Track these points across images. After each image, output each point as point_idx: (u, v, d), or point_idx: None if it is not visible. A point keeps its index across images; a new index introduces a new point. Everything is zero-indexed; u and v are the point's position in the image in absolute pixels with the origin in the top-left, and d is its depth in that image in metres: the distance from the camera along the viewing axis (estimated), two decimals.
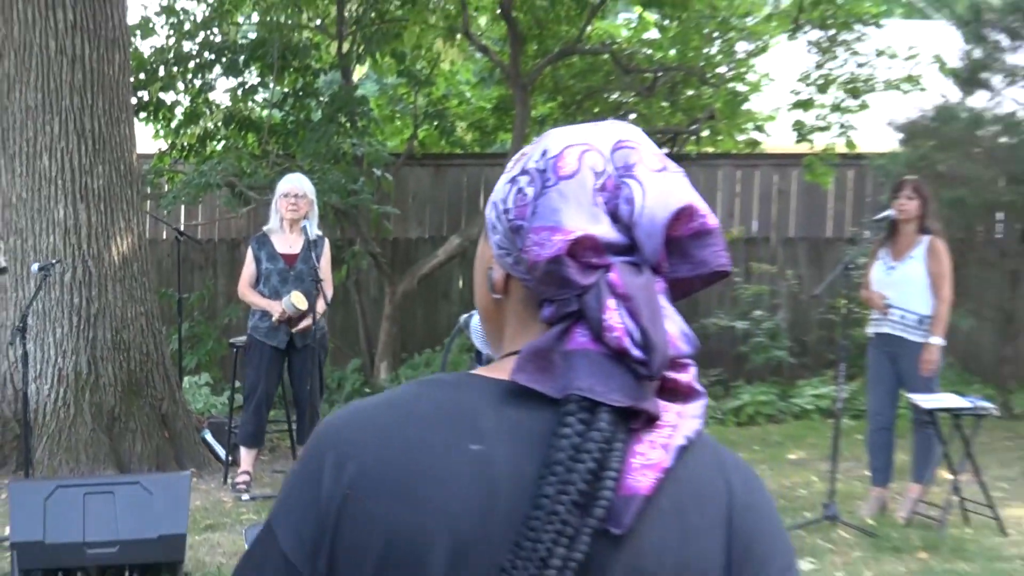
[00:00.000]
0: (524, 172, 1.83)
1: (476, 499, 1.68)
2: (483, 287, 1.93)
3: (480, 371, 1.87)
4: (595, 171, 1.77)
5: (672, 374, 1.75)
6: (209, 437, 12.19)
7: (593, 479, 1.64)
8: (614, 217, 1.75)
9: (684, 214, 1.75)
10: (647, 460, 1.69)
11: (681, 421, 1.74)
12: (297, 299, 10.28)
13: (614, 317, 1.69)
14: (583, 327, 1.73)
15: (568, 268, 1.72)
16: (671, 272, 1.78)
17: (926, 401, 9.62)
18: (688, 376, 1.77)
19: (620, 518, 1.65)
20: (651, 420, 1.71)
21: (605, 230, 1.74)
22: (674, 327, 1.74)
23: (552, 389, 1.71)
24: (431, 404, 1.77)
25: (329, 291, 10.83)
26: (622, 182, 1.76)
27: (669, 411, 1.74)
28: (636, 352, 1.69)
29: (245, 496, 10.55)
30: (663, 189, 1.76)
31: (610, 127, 1.84)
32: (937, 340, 9.70)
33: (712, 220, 1.78)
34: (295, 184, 10.65)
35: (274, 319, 10.45)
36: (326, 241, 11.01)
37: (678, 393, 1.76)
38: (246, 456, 10.88)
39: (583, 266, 1.73)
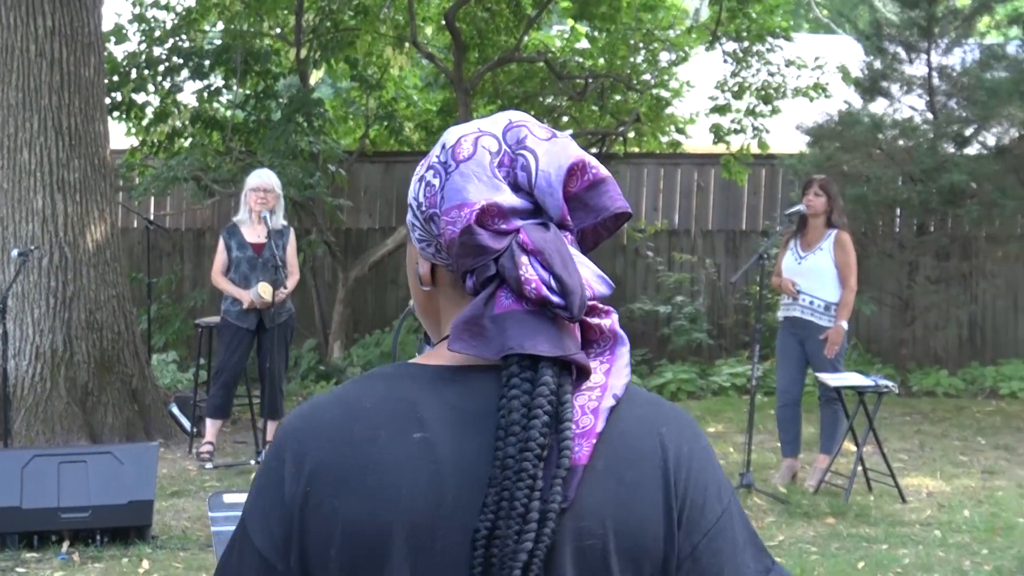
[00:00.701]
0: (429, 167, 1.82)
1: (423, 484, 1.66)
2: (415, 284, 1.90)
3: (418, 359, 1.83)
4: (490, 151, 1.77)
5: (595, 320, 1.75)
6: (176, 410, 12.13)
7: (550, 431, 1.63)
8: (515, 187, 1.75)
9: (576, 169, 1.76)
10: (580, 428, 1.67)
11: (609, 380, 1.73)
12: (264, 290, 10.25)
13: (529, 271, 1.68)
14: (505, 290, 1.71)
15: (479, 235, 1.70)
16: (577, 224, 1.77)
17: (833, 380, 9.62)
18: (610, 321, 1.76)
19: (565, 491, 1.63)
20: (582, 372, 1.70)
21: (508, 197, 1.73)
22: (587, 271, 1.74)
23: (488, 352, 1.69)
24: (374, 398, 1.73)
25: (295, 276, 10.89)
26: (517, 154, 1.76)
27: (596, 371, 1.73)
28: (555, 298, 1.67)
29: (208, 465, 10.48)
30: (554, 152, 1.76)
31: (500, 116, 1.84)
32: (843, 324, 9.69)
33: (603, 171, 1.79)
34: (264, 179, 10.64)
35: (244, 307, 10.37)
36: (291, 231, 11.00)
37: (602, 340, 1.76)
38: (211, 427, 10.81)
39: (494, 232, 1.72)
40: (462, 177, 1.74)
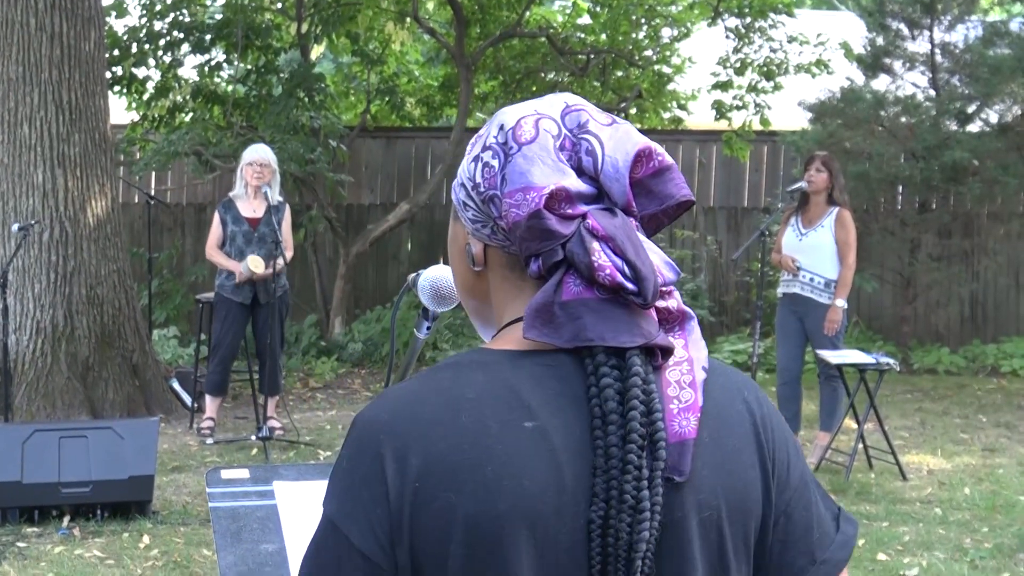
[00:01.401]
0: (486, 148, 1.79)
1: (544, 474, 1.64)
2: (462, 265, 1.88)
3: (491, 345, 1.81)
4: (552, 134, 1.74)
5: (663, 303, 1.75)
6: (176, 386, 12.14)
7: (648, 421, 1.64)
8: (579, 170, 1.73)
9: (642, 156, 1.75)
10: (683, 403, 1.70)
11: (691, 352, 1.75)
12: (254, 263, 10.24)
13: (602, 257, 1.67)
14: (573, 276, 1.70)
15: (548, 220, 1.69)
16: (640, 210, 1.77)
17: (834, 357, 9.61)
18: (676, 301, 1.77)
19: (679, 466, 1.67)
20: (667, 354, 1.72)
21: (573, 182, 1.71)
22: (656, 257, 1.74)
23: (559, 340, 1.68)
24: (473, 388, 1.70)
25: (289, 252, 10.85)
26: (580, 139, 1.74)
27: (676, 345, 1.74)
28: (630, 285, 1.67)
29: (209, 440, 10.48)
30: (619, 138, 1.75)
31: (555, 98, 1.82)
32: (841, 302, 9.69)
33: (668, 158, 1.78)
34: (260, 154, 10.61)
35: (236, 280, 10.36)
36: (287, 206, 10.99)
37: (672, 320, 1.77)
38: (211, 403, 10.80)
39: (561, 217, 1.70)
40: (526, 160, 1.72)
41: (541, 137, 1.73)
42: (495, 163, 1.75)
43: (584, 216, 1.70)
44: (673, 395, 1.69)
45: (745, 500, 1.74)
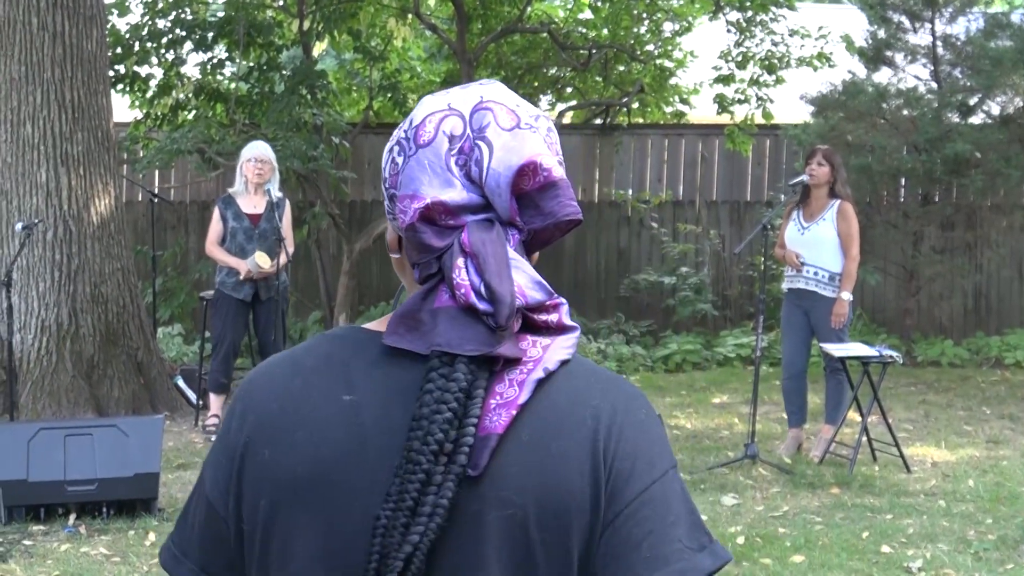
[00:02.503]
0: (396, 142, 1.82)
1: (345, 445, 1.69)
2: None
3: (371, 324, 1.84)
4: (451, 136, 1.75)
5: (541, 316, 1.73)
6: (181, 383, 12.14)
7: (452, 428, 1.64)
8: (469, 178, 1.74)
9: (527, 170, 1.72)
10: (502, 399, 1.68)
11: (545, 354, 1.72)
12: (261, 259, 10.26)
13: (461, 274, 1.69)
14: (445, 285, 1.72)
15: (423, 234, 1.72)
16: (527, 224, 1.75)
17: (837, 350, 9.62)
18: (557, 315, 1.75)
19: (476, 460, 1.65)
20: (511, 362, 1.70)
21: (457, 194, 1.73)
22: (523, 277, 1.72)
23: (419, 346, 1.71)
24: (318, 357, 1.78)
25: (291, 247, 10.88)
26: (475, 143, 1.74)
27: (536, 346, 1.73)
28: (482, 305, 1.68)
29: (214, 437, 10.43)
30: (511, 148, 1.73)
31: (477, 89, 1.81)
32: (846, 295, 9.69)
33: (557, 173, 1.76)
34: (260, 151, 10.64)
35: (241, 277, 10.35)
36: (287, 202, 11.04)
37: (551, 331, 1.75)
38: (215, 400, 10.81)
39: (441, 228, 1.73)
40: (418, 165, 1.74)
41: (437, 141, 1.75)
42: (399, 160, 1.79)
43: (462, 228, 1.72)
44: (500, 391, 1.68)
45: (564, 506, 1.68)
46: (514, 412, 1.67)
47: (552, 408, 1.71)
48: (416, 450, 1.62)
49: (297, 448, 1.70)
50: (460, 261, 1.69)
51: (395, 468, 1.64)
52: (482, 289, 1.67)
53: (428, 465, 1.62)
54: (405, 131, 1.79)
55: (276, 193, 10.60)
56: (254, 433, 1.74)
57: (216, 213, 10.72)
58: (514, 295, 1.68)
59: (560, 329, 1.75)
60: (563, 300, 1.77)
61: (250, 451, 1.74)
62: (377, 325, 1.81)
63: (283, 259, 10.42)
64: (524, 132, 1.75)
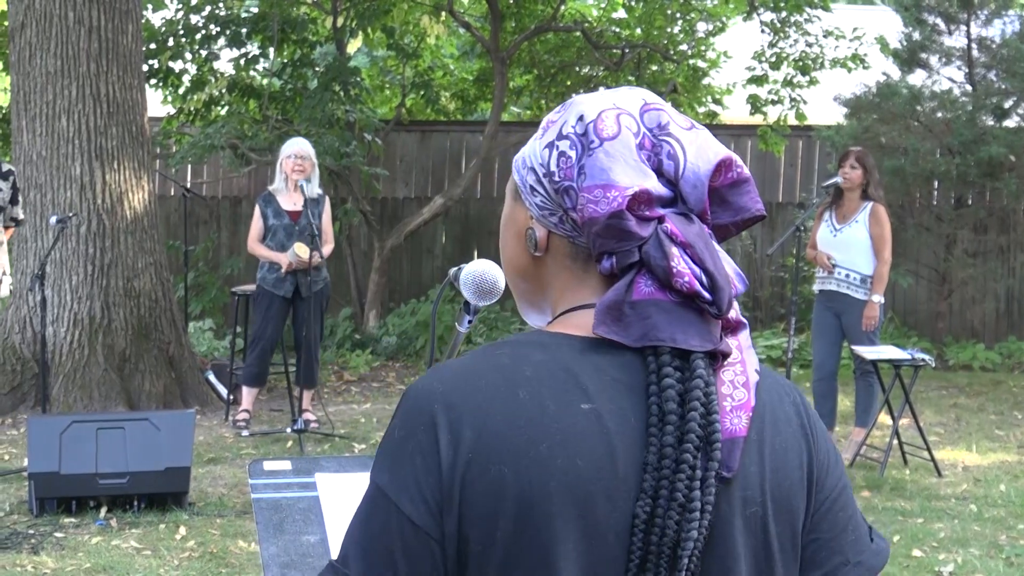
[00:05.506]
0: (562, 137, 1.77)
1: (597, 456, 1.64)
2: (518, 248, 1.88)
3: (550, 329, 1.80)
4: (632, 131, 1.74)
5: (731, 312, 1.76)
6: (212, 378, 12.18)
7: (703, 425, 1.65)
8: (658, 172, 1.74)
9: (723, 165, 1.75)
10: (736, 402, 1.71)
11: (744, 354, 1.76)
12: (300, 249, 10.23)
13: (680, 263, 1.68)
14: (645, 277, 1.70)
15: (628, 221, 1.69)
16: (713, 219, 1.77)
17: (869, 353, 9.59)
18: (735, 311, 1.77)
19: (728, 462, 1.68)
20: (724, 358, 1.72)
21: (654, 184, 1.72)
22: (729, 268, 1.75)
23: (629, 339, 1.69)
24: (531, 366, 1.70)
25: (330, 245, 10.88)
26: (661, 140, 1.75)
27: (731, 347, 1.75)
28: (707, 294, 1.68)
29: (245, 432, 10.50)
30: (700, 144, 1.75)
31: (631, 92, 1.81)
32: (878, 298, 9.66)
33: (746, 170, 1.78)
34: (299, 147, 10.59)
35: (283, 270, 10.37)
36: (327, 199, 11.02)
37: (729, 327, 1.76)
38: (247, 395, 10.83)
39: (639, 218, 1.70)
40: (608, 157, 1.71)
41: (623, 134, 1.73)
42: (572, 154, 1.74)
43: (662, 219, 1.71)
44: (727, 394, 1.70)
45: (790, 499, 1.75)
46: (750, 414, 1.71)
47: (766, 407, 1.77)
48: (675, 447, 1.63)
49: (543, 462, 1.63)
50: (675, 250, 1.68)
51: (647, 465, 1.63)
52: (703, 277, 1.68)
53: (693, 462, 1.62)
54: (574, 126, 1.76)
55: (316, 190, 10.59)
56: (479, 450, 1.64)
57: (257, 211, 10.70)
58: (731, 285, 1.72)
59: (736, 325, 1.77)
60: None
61: (476, 469, 1.64)
62: (564, 329, 1.78)
63: (316, 258, 10.39)
64: (702, 132, 1.77)
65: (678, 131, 1.75)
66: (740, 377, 1.72)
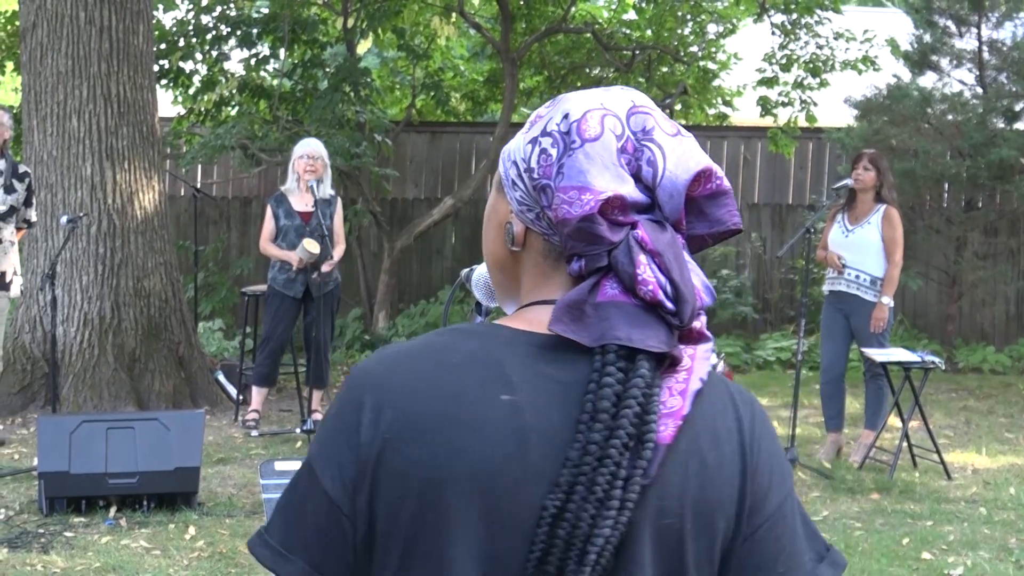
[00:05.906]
0: (546, 134, 1.77)
1: (507, 448, 1.65)
2: (498, 240, 1.88)
3: (504, 321, 1.81)
4: (615, 134, 1.73)
5: (694, 323, 1.73)
6: (222, 378, 12.18)
7: (635, 424, 1.62)
8: (636, 177, 1.72)
9: (702, 176, 1.72)
10: (667, 408, 1.67)
11: (695, 364, 1.72)
12: (310, 244, 10.22)
13: (647, 272, 1.66)
14: (612, 280, 1.69)
15: (599, 226, 1.68)
16: (689, 229, 1.75)
17: (879, 355, 9.57)
18: (700, 323, 1.74)
19: (647, 468, 1.63)
20: (674, 363, 1.70)
21: (630, 190, 1.70)
22: (697, 280, 1.72)
23: (586, 338, 1.67)
24: (463, 354, 1.72)
25: (341, 246, 10.84)
26: (643, 145, 1.73)
27: (683, 355, 1.72)
28: (669, 304, 1.67)
29: (254, 432, 10.51)
30: (681, 153, 1.73)
31: (621, 93, 1.80)
32: (887, 300, 9.64)
33: (726, 182, 1.76)
34: (312, 148, 10.60)
35: (293, 268, 10.37)
36: (338, 200, 10.99)
37: (690, 338, 1.73)
38: (256, 395, 10.84)
39: (612, 223, 1.69)
40: (587, 159, 1.71)
41: (605, 137, 1.72)
42: (554, 152, 1.74)
43: (634, 225, 1.70)
44: (661, 400, 1.67)
45: (715, 516, 1.71)
46: (680, 423, 1.67)
47: (705, 420, 1.73)
48: (600, 444, 1.61)
49: (453, 447, 1.64)
50: (643, 258, 1.67)
51: (568, 461, 1.62)
52: (668, 288, 1.67)
53: (618, 459, 1.60)
54: (558, 123, 1.76)
55: (328, 191, 10.61)
56: (396, 430, 1.67)
57: (268, 211, 10.71)
58: (695, 297, 1.69)
59: (698, 337, 1.74)
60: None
61: (390, 449, 1.67)
62: (510, 322, 1.79)
63: (333, 258, 10.38)
64: (686, 139, 1.76)
65: (662, 137, 1.73)
66: (680, 385, 1.69)
